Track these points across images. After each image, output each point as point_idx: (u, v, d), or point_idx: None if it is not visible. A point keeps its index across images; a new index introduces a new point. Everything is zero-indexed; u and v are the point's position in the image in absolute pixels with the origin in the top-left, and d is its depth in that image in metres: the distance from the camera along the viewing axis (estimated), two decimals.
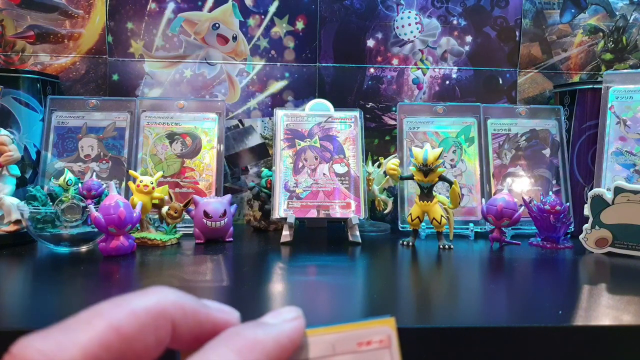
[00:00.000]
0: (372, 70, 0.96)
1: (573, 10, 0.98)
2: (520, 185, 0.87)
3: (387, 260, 0.66)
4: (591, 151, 0.84)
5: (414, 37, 0.96)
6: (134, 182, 0.71)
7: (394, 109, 0.96)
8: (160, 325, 0.17)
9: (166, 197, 0.74)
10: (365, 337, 0.20)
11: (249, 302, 0.44)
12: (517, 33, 0.97)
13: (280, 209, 0.72)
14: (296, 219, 0.71)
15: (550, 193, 0.83)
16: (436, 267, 0.62)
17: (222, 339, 0.18)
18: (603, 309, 0.43)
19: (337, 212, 0.73)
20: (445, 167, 0.85)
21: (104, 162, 0.85)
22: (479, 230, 0.81)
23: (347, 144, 0.78)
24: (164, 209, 0.73)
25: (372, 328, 0.20)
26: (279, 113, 0.80)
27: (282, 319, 0.20)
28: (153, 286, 0.19)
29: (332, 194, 0.74)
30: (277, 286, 0.52)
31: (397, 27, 0.96)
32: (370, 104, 0.96)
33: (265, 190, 0.83)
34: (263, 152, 0.96)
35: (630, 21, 0.98)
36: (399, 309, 0.44)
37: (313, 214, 0.72)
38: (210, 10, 0.93)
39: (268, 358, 0.18)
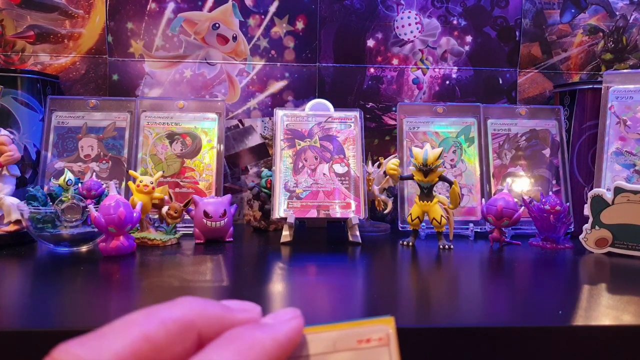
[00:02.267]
0: (372, 70, 0.96)
1: (573, 10, 0.98)
2: (520, 185, 0.87)
3: (387, 260, 0.66)
4: (591, 151, 0.84)
5: (414, 37, 0.96)
6: (134, 182, 0.71)
7: (394, 109, 0.96)
8: (187, 336, 0.18)
9: (166, 197, 0.74)
10: (365, 335, 0.20)
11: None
12: (517, 33, 0.97)
13: (280, 209, 0.72)
14: (296, 219, 0.71)
15: (550, 193, 0.83)
16: (436, 267, 0.61)
17: (223, 340, 0.19)
18: (603, 309, 0.43)
19: (337, 212, 0.73)
20: (445, 167, 0.85)
21: (104, 162, 0.85)
22: (479, 230, 0.81)
23: (347, 144, 0.78)
24: (164, 209, 0.73)
25: (372, 326, 0.21)
26: (279, 113, 0.80)
27: (280, 320, 0.21)
28: (180, 297, 0.20)
29: (332, 194, 0.74)
30: (277, 286, 0.52)
31: (397, 27, 0.96)
32: (370, 104, 0.96)
33: (265, 190, 0.83)
34: (263, 152, 0.96)
35: (630, 21, 0.98)
36: (399, 308, 0.44)
37: (313, 214, 0.72)
38: (210, 10, 0.93)
39: (268, 357, 0.19)
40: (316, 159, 0.77)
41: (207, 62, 0.94)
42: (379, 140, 0.97)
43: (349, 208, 0.73)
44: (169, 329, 0.18)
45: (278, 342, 0.19)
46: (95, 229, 0.63)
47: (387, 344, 0.20)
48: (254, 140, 0.96)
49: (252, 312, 0.21)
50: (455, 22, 0.96)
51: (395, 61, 0.96)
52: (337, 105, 0.83)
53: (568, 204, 0.77)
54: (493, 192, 0.85)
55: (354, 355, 0.20)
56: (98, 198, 0.68)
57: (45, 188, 0.77)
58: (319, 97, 0.92)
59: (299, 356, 0.20)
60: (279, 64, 0.95)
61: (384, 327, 0.21)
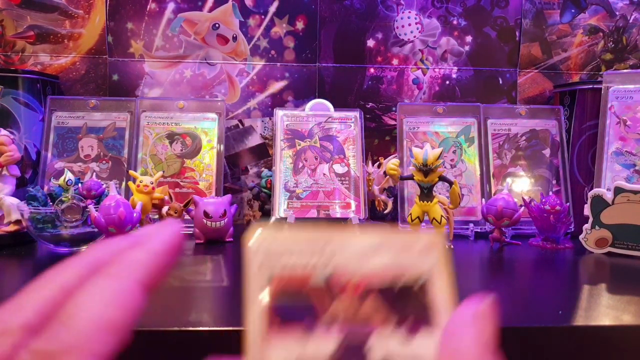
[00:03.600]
0: (372, 70, 0.96)
1: (573, 10, 0.98)
2: (520, 185, 0.87)
3: None
4: (591, 151, 0.84)
5: (414, 37, 0.96)
6: (134, 182, 0.71)
7: (394, 109, 0.96)
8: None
9: (166, 197, 0.74)
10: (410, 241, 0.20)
11: None
12: (517, 33, 0.97)
13: (280, 209, 0.72)
14: (296, 219, 0.71)
15: (550, 193, 0.83)
16: None
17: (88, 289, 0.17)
18: (603, 309, 0.43)
19: (337, 212, 0.73)
20: (445, 167, 0.85)
21: (104, 162, 0.85)
22: (479, 230, 0.81)
23: (347, 144, 0.78)
24: (164, 209, 0.73)
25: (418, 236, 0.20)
26: (279, 113, 0.80)
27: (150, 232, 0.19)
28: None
29: (332, 194, 0.74)
30: None
31: (397, 27, 0.96)
32: (370, 104, 0.96)
33: (265, 190, 0.83)
34: (263, 152, 0.96)
35: (630, 21, 0.98)
36: None
37: (313, 214, 0.72)
38: (210, 10, 0.93)
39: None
40: (316, 159, 0.77)
41: (207, 62, 0.94)
42: (379, 140, 0.97)
43: (349, 208, 0.73)
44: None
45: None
46: (95, 229, 0.63)
47: (436, 247, 0.20)
48: (254, 140, 0.96)
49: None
50: (455, 22, 0.96)
51: (395, 61, 0.96)
52: (337, 105, 0.83)
53: (568, 204, 0.77)
54: (493, 192, 0.85)
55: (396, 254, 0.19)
56: (98, 198, 0.68)
57: (45, 188, 0.77)
58: (319, 97, 0.92)
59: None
60: (279, 64, 0.95)
61: (431, 236, 0.20)
